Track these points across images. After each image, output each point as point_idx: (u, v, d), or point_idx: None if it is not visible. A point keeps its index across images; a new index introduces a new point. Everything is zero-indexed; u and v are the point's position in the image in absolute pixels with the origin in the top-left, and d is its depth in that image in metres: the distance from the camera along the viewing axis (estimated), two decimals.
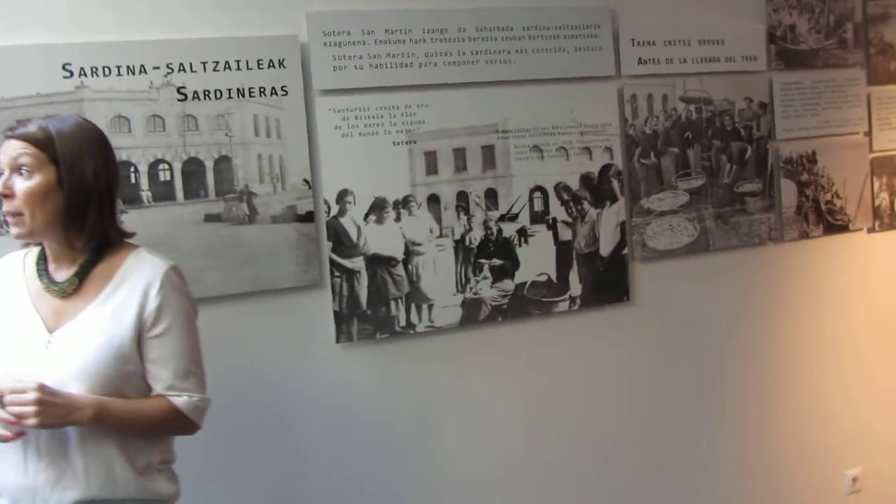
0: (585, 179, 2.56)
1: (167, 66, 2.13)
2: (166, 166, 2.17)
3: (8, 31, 2.04)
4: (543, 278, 2.55)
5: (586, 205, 2.57)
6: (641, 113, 2.63)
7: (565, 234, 2.55)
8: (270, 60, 2.20)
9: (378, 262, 2.35)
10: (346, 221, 2.31)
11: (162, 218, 2.15)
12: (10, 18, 2.05)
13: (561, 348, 2.61)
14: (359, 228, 2.33)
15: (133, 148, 2.12)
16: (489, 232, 2.48)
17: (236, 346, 2.25)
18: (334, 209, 2.30)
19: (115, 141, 2.03)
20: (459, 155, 2.43)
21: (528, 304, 2.54)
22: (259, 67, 2.20)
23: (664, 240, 2.68)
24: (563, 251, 2.55)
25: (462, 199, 2.43)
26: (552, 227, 2.53)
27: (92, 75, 2.06)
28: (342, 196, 2.31)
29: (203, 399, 1.70)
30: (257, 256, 2.24)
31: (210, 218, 2.20)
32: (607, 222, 2.58)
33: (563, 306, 2.57)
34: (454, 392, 2.49)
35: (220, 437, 2.21)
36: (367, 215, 2.33)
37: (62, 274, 1.65)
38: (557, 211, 2.53)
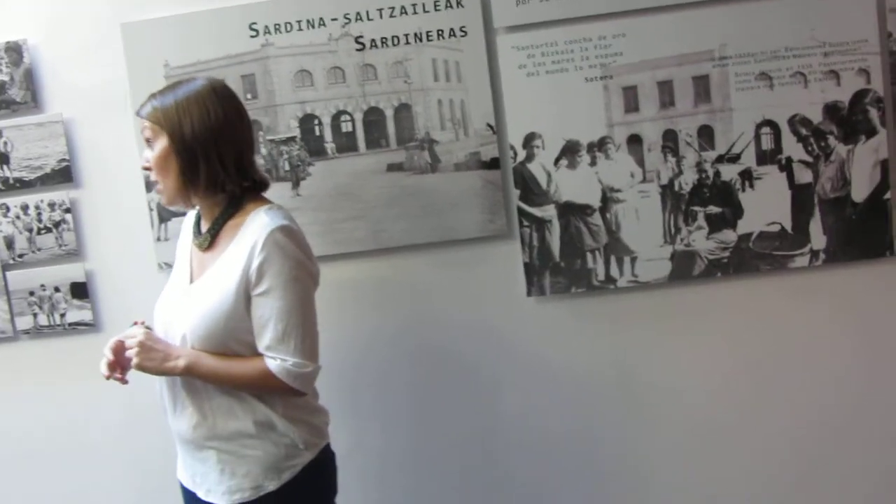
0: (831, 110, 2.18)
1: (345, 17, 2.20)
2: (348, 117, 2.26)
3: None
4: (775, 228, 2.24)
5: (832, 140, 2.19)
6: None
7: (804, 175, 2.21)
8: (448, 1, 2.18)
9: (571, 211, 2.24)
10: (534, 167, 2.23)
11: (345, 169, 2.25)
12: None
13: (798, 312, 2.28)
14: (549, 174, 2.23)
15: (316, 101, 2.24)
16: (704, 175, 2.23)
17: (423, 296, 2.30)
18: (521, 154, 2.22)
19: (300, 95, 2.22)
20: (665, 88, 2.21)
21: (755, 258, 2.24)
22: (436, 9, 2.19)
23: None
24: (802, 196, 2.21)
25: (669, 139, 2.21)
26: (786, 167, 2.21)
27: (275, 32, 2.21)
28: (529, 140, 2.23)
29: (299, 364, 1.71)
30: (441, 206, 2.25)
31: (392, 167, 2.26)
32: (862, 161, 2.18)
33: (802, 261, 2.23)
34: (661, 356, 2.30)
35: (410, 382, 2.32)
36: (557, 160, 2.22)
37: (205, 229, 1.83)
38: (793, 149, 2.19)
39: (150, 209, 2.28)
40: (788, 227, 2.24)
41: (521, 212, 2.25)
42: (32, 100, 2.30)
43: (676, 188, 2.24)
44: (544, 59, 2.21)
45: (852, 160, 2.22)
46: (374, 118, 2.25)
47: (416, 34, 2.21)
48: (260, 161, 2.24)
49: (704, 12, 2.19)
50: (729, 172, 2.22)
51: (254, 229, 1.72)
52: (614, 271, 2.26)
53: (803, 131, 2.22)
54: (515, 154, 2.23)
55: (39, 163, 2.30)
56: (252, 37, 2.21)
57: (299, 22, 2.20)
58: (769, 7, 2.18)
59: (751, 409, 2.33)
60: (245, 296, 1.71)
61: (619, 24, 2.19)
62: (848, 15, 2.18)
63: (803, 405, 2.31)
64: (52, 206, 2.32)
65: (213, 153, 1.72)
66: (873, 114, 2.20)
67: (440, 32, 2.20)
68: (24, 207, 2.32)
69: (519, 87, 2.22)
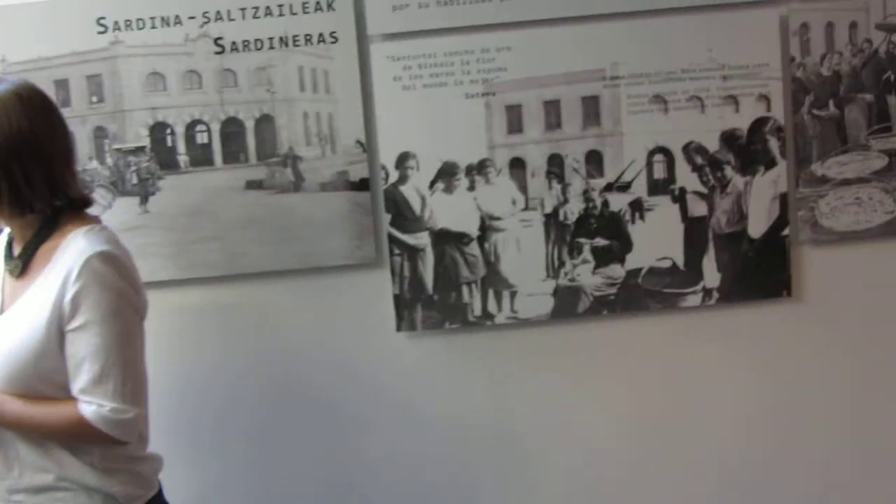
0: (729, 138, 2.04)
1: (203, 15, 2.02)
2: (203, 127, 2.06)
3: None
4: (666, 264, 2.09)
5: (729, 171, 2.06)
6: (816, 48, 2.03)
7: (698, 208, 2.07)
8: (317, 3, 2.00)
9: (447, 239, 2.07)
10: (407, 190, 2.06)
11: (200, 184, 2.06)
12: None
13: (689, 353, 2.14)
14: (423, 199, 2.06)
15: (169, 108, 2.04)
16: (591, 205, 2.08)
17: (280, 328, 2.12)
18: (393, 176, 2.05)
19: (151, 100, 2.01)
20: (552, 109, 2.05)
21: (643, 295, 2.10)
22: (304, 11, 2.01)
23: (847, 218, 2.07)
24: (695, 230, 2.07)
25: (555, 164, 2.06)
26: (679, 199, 2.06)
27: (126, 29, 2.00)
28: (403, 160, 2.05)
29: (118, 409, 1.50)
30: (304, 229, 2.07)
31: (251, 185, 2.06)
32: (760, 194, 2.05)
33: (694, 300, 2.10)
34: (542, 398, 2.14)
35: (267, 421, 2.12)
36: (433, 183, 2.05)
37: (17, 253, 1.61)
38: (687, 179, 2.05)
39: None
40: (680, 262, 2.09)
41: (391, 239, 2.07)
42: None
43: (561, 218, 2.08)
44: (422, 72, 2.04)
45: (750, 193, 2.07)
46: (232, 129, 2.05)
47: (281, 38, 2.02)
48: (105, 172, 2.03)
49: (596, 27, 2.03)
50: (618, 202, 2.08)
51: (70, 255, 1.52)
52: (492, 306, 2.09)
53: (699, 160, 2.07)
54: (387, 175, 2.05)
55: None
56: (100, 33, 2.00)
57: (153, 19, 2.00)
58: (665, 24, 2.04)
59: (638, 454, 2.18)
60: (58, 331, 1.50)
61: (504, 37, 2.03)
62: (749, 36, 2.04)
63: (694, 449, 2.16)
64: None
65: (16, 168, 1.50)
66: (773, 144, 2.06)
67: (308, 37, 2.02)
68: None
69: (393, 102, 2.05)
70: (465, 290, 2.09)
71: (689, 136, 2.05)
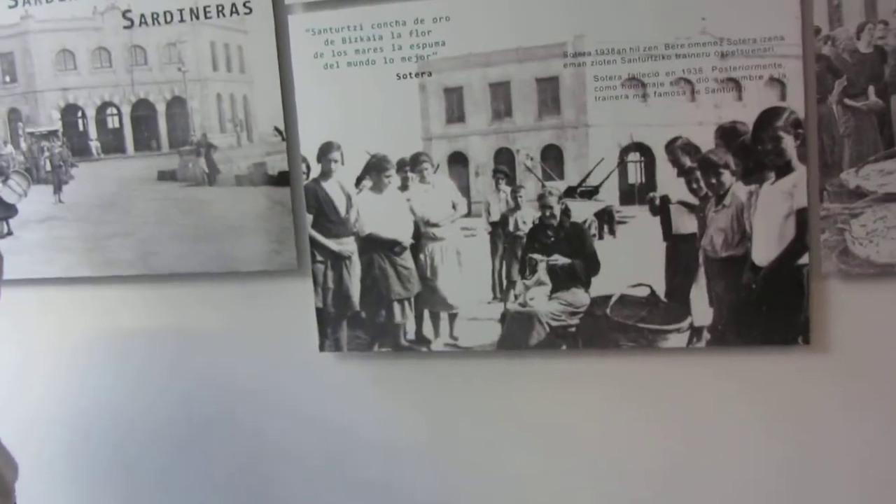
0: (728, 134, 1.60)
1: None
2: (114, 110, 1.90)
3: None
4: (642, 292, 1.68)
5: (727, 177, 1.61)
6: (850, 15, 1.53)
7: (685, 223, 1.64)
8: None
9: (375, 247, 1.80)
10: (330, 187, 1.80)
11: (112, 173, 1.92)
12: None
13: (668, 407, 1.74)
14: (348, 197, 1.79)
15: (79, 88, 1.90)
16: (548, 213, 1.71)
17: (198, 337, 1.93)
18: (315, 169, 1.79)
19: (62, 80, 1.88)
20: (500, 92, 1.70)
21: (612, 329, 1.71)
22: None
23: (889, 245, 1.57)
24: (681, 251, 1.65)
25: (503, 161, 1.72)
26: (660, 210, 1.66)
27: (36, 3, 1.88)
28: (325, 152, 1.79)
29: None
30: (220, 228, 1.87)
31: (164, 176, 1.89)
32: (769, 208, 1.59)
33: (679, 340, 1.69)
34: (485, 444, 1.82)
35: (178, 439, 1.98)
36: (359, 180, 1.78)
37: None
38: (671, 185, 1.64)
39: None
40: (661, 291, 1.68)
41: (313, 243, 1.83)
42: None
43: (511, 227, 1.73)
44: (346, 47, 1.75)
45: (755, 206, 1.62)
46: (143, 113, 1.89)
47: (192, 10, 1.81)
48: (20, 158, 1.93)
49: None
50: (582, 211, 1.70)
51: None
52: (428, 329, 1.80)
53: (687, 162, 1.64)
54: (308, 168, 1.81)
55: None
56: (11, 7, 1.90)
57: None
58: None
59: None
60: None
61: (441, 4, 1.70)
62: (757, 1, 1.57)
63: None
64: None
65: None
66: (788, 143, 1.59)
67: (220, 8, 1.79)
68: None
69: (314, 82, 1.78)
70: (396, 307, 1.81)
71: (675, 131, 1.62)
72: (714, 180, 1.64)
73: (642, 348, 1.72)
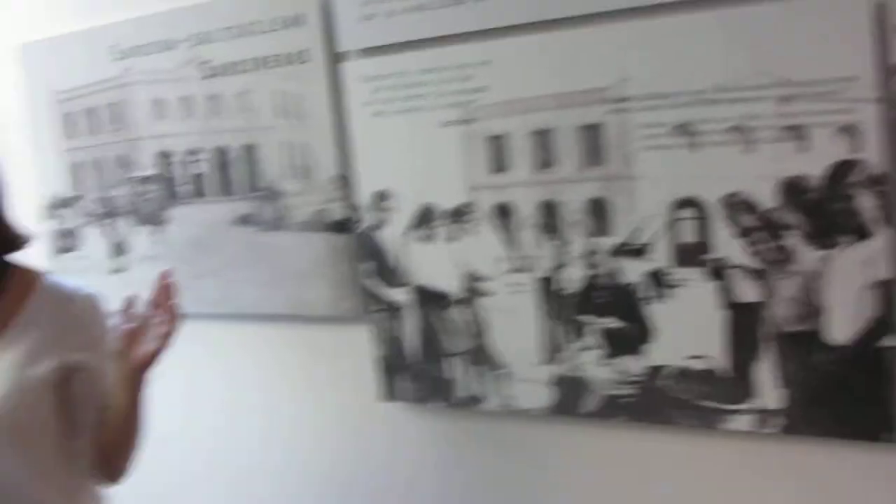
0: (792, 189, 1.39)
1: (193, 37, 1.95)
2: (198, 157, 2.01)
3: (54, 20, 2.15)
4: (701, 365, 1.51)
5: (794, 239, 1.41)
6: None
7: (747, 290, 1.45)
8: (286, 18, 1.80)
9: (428, 298, 1.77)
10: (384, 235, 1.79)
11: (199, 216, 2.04)
12: (53, 7, 2.15)
13: (729, 498, 1.55)
14: (400, 247, 1.76)
15: (170, 136, 2.04)
16: (596, 271, 1.59)
17: (271, 376, 2.02)
18: (370, 218, 1.79)
19: (155, 129, 2.05)
20: (542, 141, 1.59)
21: (667, 404, 1.56)
22: (273, 29, 1.82)
23: None
24: (743, 322, 1.47)
25: (549, 214, 1.61)
26: (718, 274, 1.48)
27: (134, 56, 2.04)
28: (379, 200, 1.78)
29: None
30: (291, 271, 1.93)
31: (241, 220, 1.98)
32: (845, 278, 1.37)
33: (743, 423, 1.51)
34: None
35: (242, 469, 2.08)
36: (410, 229, 1.75)
37: None
38: (729, 246, 1.46)
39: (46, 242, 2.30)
40: (722, 366, 1.50)
41: (370, 291, 1.82)
42: None
43: (558, 285, 1.63)
44: (394, 94, 1.73)
45: (829, 274, 1.41)
46: (222, 159, 1.99)
47: (256, 60, 1.88)
48: (126, 200, 2.12)
49: (598, 32, 1.52)
50: (632, 271, 1.56)
51: (57, 302, 1.49)
52: (479, 387, 1.74)
53: (746, 220, 1.46)
54: (364, 217, 1.81)
55: None
56: (114, 60, 2.07)
57: (152, 44, 2.00)
58: (693, 23, 1.44)
59: None
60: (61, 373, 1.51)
61: (483, 48, 1.63)
62: (822, 35, 1.35)
63: None
64: None
65: None
66: (865, 201, 1.36)
67: (279, 58, 1.84)
68: None
69: (367, 129, 1.78)
70: (449, 362, 1.76)
71: (733, 184, 1.45)
72: (778, 243, 1.44)
73: (702, 428, 1.55)
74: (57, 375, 1.45)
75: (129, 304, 1.48)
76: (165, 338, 1.46)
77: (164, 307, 1.47)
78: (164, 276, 1.48)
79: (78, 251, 2.25)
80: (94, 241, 2.22)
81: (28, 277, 1.49)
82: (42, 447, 1.48)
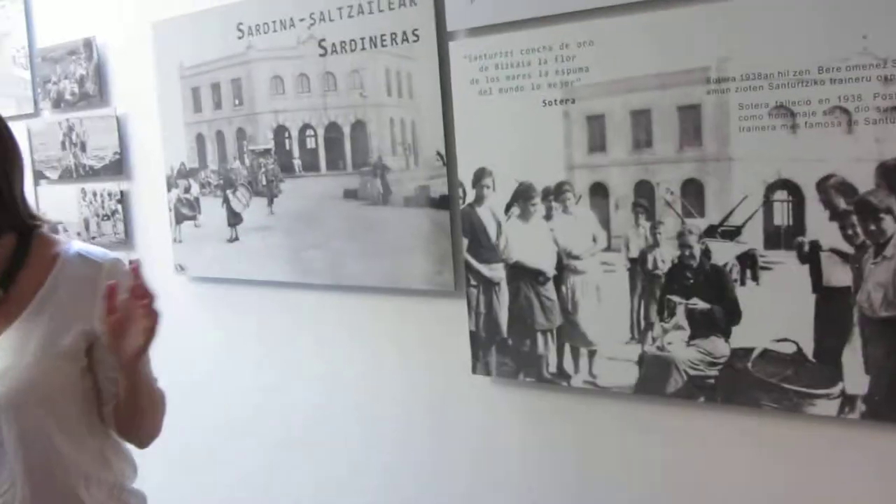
0: (891, 173, 1.39)
1: (310, 17, 2.07)
2: (312, 132, 2.12)
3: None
4: (788, 349, 1.52)
5: (889, 222, 1.39)
6: None
7: (838, 274, 1.45)
8: None
9: (522, 275, 1.81)
10: (483, 212, 1.85)
11: (310, 190, 2.15)
12: None
13: (815, 482, 1.54)
14: (498, 224, 1.83)
15: (286, 112, 2.15)
16: (687, 252, 1.60)
17: (367, 344, 2.10)
18: (470, 195, 1.86)
19: (274, 104, 2.18)
20: (641, 121, 1.62)
21: (754, 386, 1.56)
22: (390, 7, 1.92)
23: None
24: (833, 307, 1.46)
25: (643, 194, 1.64)
26: (810, 258, 1.48)
27: (256, 33, 2.17)
28: (479, 177, 1.84)
29: None
30: (393, 246, 2.02)
31: (348, 194, 2.07)
32: None
33: (828, 408, 1.50)
34: (625, 484, 1.74)
35: (341, 428, 2.18)
36: (508, 207, 1.81)
37: None
38: (823, 230, 1.46)
39: (170, 210, 2.44)
40: (809, 350, 1.51)
41: (468, 267, 1.90)
42: (99, 94, 2.62)
43: (650, 265, 1.65)
44: (498, 73, 1.79)
45: None
46: (333, 135, 2.09)
47: (370, 38, 1.97)
48: (243, 172, 2.25)
49: (699, 11, 1.54)
50: (723, 253, 1.57)
51: (84, 271, 1.53)
52: (568, 364, 1.78)
53: (841, 204, 1.45)
54: (464, 193, 1.87)
55: (103, 153, 2.62)
56: (239, 38, 2.20)
57: (274, 23, 2.12)
58: (797, 1, 1.44)
59: None
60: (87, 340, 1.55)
61: (584, 28, 1.67)
62: None
63: None
64: (110, 195, 2.64)
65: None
66: None
67: (393, 37, 1.93)
68: (95, 194, 2.68)
69: (471, 108, 1.85)
70: (539, 338, 1.81)
71: (829, 167, 1.45)
72: (873, 227, 1.44)
73: (786, 412, 1.55)
74: (83, 342, 1.51)
75: (111, 291, 1.42)
76: (150, 332, 1.42)
77: (142, 303, 1.43)
78: (133, 267, 1.43)
79: (197, 220, 2.39)
80: (212, 211, 2.35)
81: (51, 248, 1.54)
82: (73, 413, 1.53)
